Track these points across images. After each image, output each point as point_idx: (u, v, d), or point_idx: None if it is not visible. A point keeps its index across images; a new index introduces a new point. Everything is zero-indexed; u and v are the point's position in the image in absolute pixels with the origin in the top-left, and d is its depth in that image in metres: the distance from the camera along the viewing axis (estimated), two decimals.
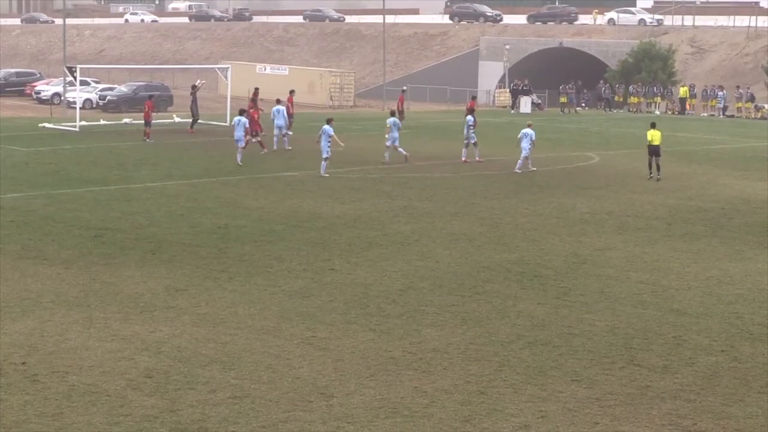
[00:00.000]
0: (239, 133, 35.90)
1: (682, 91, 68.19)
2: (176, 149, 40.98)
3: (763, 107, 64.85)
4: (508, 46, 76.69)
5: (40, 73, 78.54)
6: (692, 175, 36.30)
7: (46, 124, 50.25)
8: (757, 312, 18.19)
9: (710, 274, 21.10)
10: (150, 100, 46.31)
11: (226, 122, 49.35)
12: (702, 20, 79.91)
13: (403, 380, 14.21)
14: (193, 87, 48.70)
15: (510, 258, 22.09)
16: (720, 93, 66.77)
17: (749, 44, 73.53)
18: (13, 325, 16.35)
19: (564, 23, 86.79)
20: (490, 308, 18.00)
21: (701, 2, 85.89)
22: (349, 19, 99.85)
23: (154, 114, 45.66)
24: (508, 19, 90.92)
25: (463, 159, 38.05)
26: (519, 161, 35.92)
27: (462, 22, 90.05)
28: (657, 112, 66.16)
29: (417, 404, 13.31)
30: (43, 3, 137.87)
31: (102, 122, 52.20)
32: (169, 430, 12.31)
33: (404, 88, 61.02)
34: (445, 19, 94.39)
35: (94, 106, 62.99)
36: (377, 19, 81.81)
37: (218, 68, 63.63)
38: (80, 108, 52.91)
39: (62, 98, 61.33)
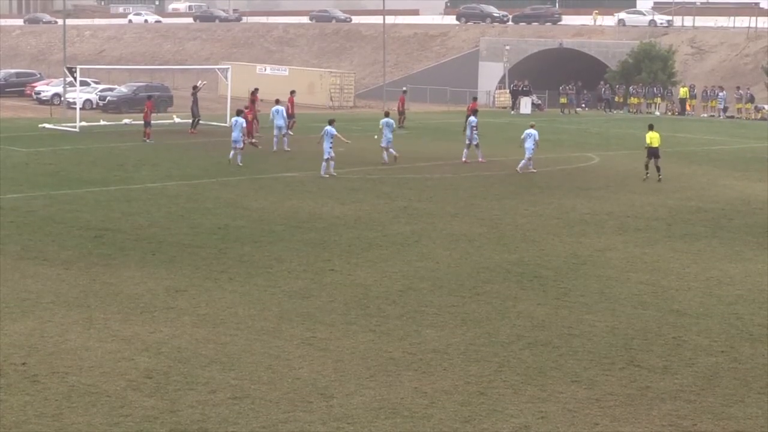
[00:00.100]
0: (236, 134, 35.92)
1: (682, 91, 68.18)
2: (176, 150, 40.99)
3: (763, 108, 64.84)
4: (508, 47, 76.73)
5: (40, 74, 78.60)
6: (692, 176, 36.30)
7: (46, 125, 50.28)
8: (757, 313, 18.18)
9: (710, 274, 21.10)
10: (150, 100, 46.34)
11: (226, 123, 49.33)
12: (702, 21, 79.92)
13: (403, 381, 14.21)
14: (194, 88, 48.70)
15: (510, 259, 22.09)
16: (720, 94, 66.75)
17: (749, 45, 73.53)
18: (13, 325, 16.35)
19: (548, 24, 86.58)
20: (490, 309, 18.00)
21: (701, 3, 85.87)
22: None
23: (153, 114, 45.67)
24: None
25: (464, 160, 38.05)
26: (522, 161, 35.87)
27: (469, 23, 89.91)
28: (657, 113, 66.17)
29: (417, 405, 13.31)
30: (44, 3, 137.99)
31: (102, 123, 52.24)
32: (169, 430, 12.31)
33: (405, 88, 61.01)
34: (446, 20, 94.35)
35: (94, 106, 63.04)
36: (377, 19, 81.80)
37: (218, 69, 63.62)
38: (80, 108, 52.92)
39: (62, 99, 61.31)
